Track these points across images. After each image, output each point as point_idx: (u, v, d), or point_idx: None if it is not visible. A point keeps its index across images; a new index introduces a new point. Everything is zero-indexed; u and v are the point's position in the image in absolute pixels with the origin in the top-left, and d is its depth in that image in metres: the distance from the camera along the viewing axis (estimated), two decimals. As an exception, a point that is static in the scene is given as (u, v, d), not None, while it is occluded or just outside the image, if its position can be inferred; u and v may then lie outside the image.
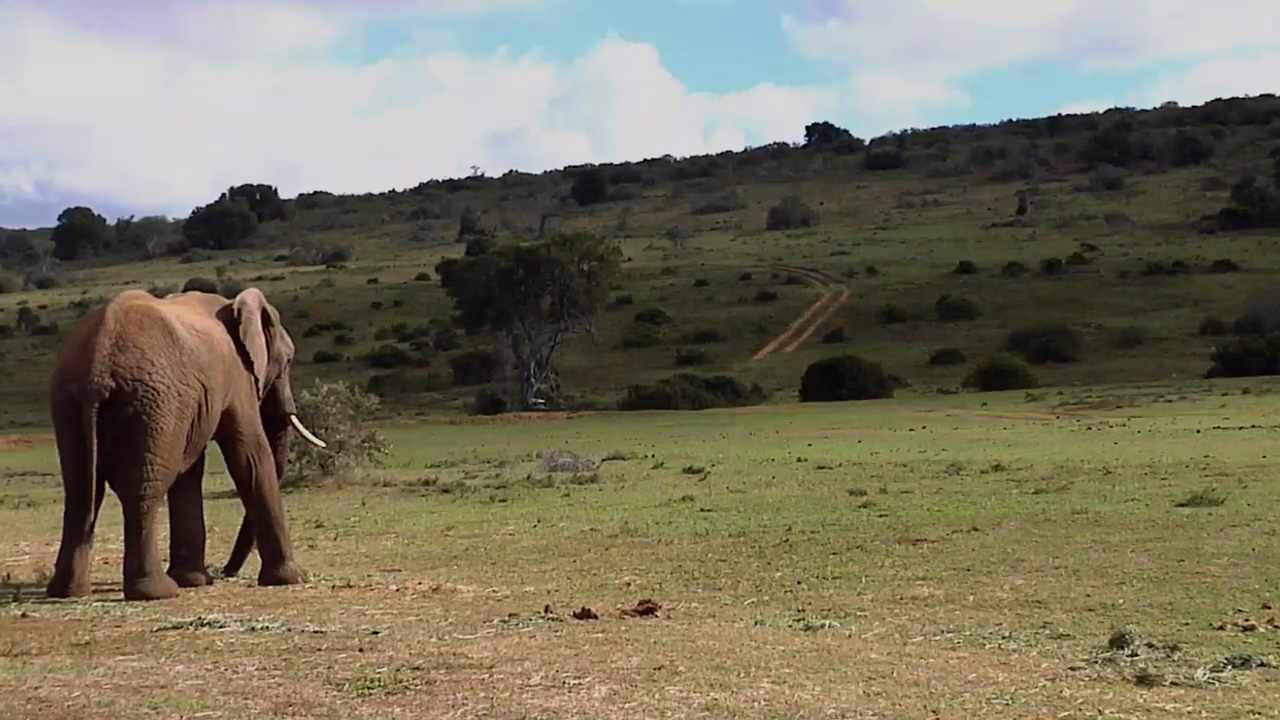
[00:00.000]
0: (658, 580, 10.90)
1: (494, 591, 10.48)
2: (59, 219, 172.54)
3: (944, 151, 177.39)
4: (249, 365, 11.40)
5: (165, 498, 11.55)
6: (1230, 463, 20.36)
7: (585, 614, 8.59)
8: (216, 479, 14.28)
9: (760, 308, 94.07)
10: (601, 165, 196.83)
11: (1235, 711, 6.00)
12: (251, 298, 11.76)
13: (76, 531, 10.20)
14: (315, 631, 8.21)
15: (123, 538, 10.42)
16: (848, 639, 7.94)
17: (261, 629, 8.33)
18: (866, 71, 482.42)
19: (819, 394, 61.91)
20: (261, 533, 11.37)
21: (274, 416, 11.95)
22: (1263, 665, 6.91)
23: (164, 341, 10.34)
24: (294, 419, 12.44)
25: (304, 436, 13.29)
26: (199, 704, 6.20)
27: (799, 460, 25.00)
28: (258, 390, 11.56)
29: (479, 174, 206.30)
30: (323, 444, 16.74)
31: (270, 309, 11.98)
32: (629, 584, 10.74)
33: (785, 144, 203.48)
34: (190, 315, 10.96)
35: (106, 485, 10.38)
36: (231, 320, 11.37)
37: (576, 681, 6.47)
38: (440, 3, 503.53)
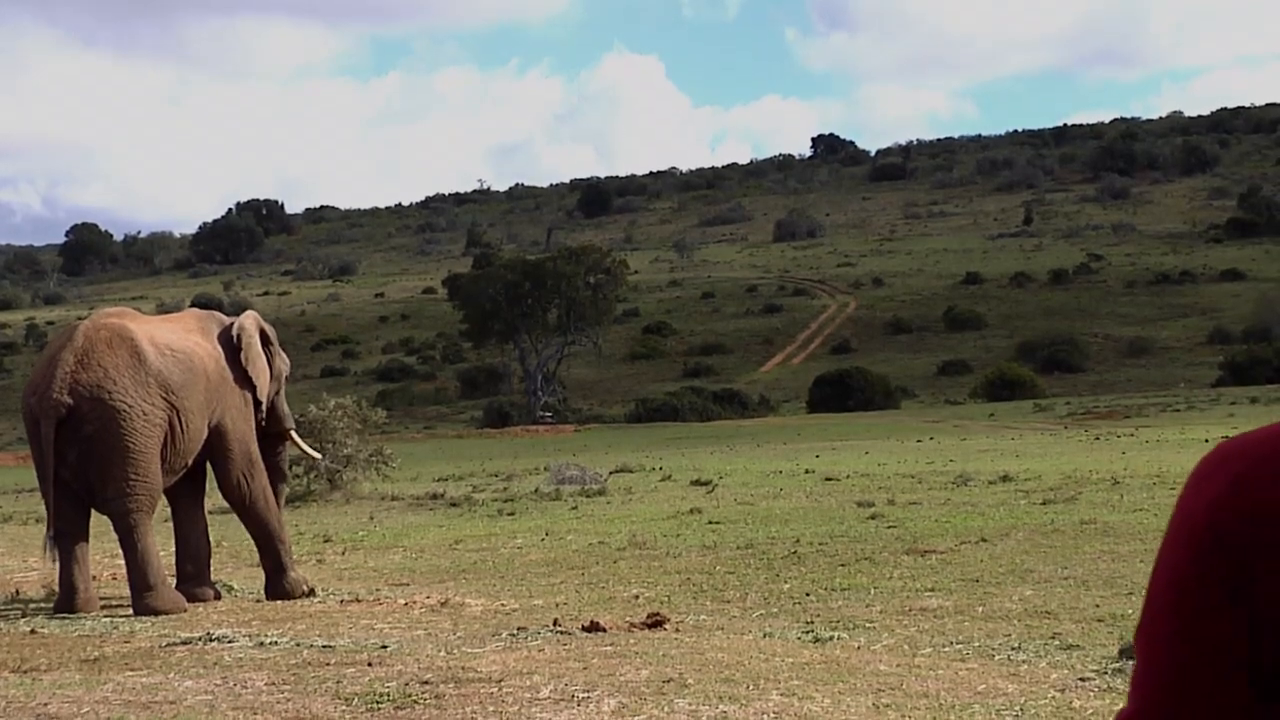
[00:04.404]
0: (666, 593, 10.89)
1: (502, 605, 10.49)
2: (66, 235, 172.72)
3: (950, 162, 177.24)
4: (252, 387, 11.45)
5: (169, 512, 11.62)
6: (1239, 472, 20.29)
7: (594, 627, 8.58)
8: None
9: (767, 319, 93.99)
10: (607, 178, 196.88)
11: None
12: (250, 321, 11.80)
13: (69, 548, 10.25)
14: (324, 646, 8.21)
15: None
16: (857, 651, 7.93)
17: (270, 644, 8.33)
18: (872, 83, 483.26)
19: (826, 405, 61.86)
20: (262, 547, 11.39)
21: (274, 432, 12.00)
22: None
23: (129, 361, 10.36)
24: (293, 433, 12.49)
25: (304, 451, 13.33)
26: (208, 719, 6.20)
27: (807, 472, 24.97)
28: (260, 409, 11.59)
29: (485, 187, 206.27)
30: (320, 456, 16.81)
31: (268, 328, 12.03)
32: (637, 597, 10.74)
33: (791, 156, 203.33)
34: (169, 335, 10.95)
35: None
36: (232, 345, 11.42)
37: (585, 695, 6.46)
38: (443, 17, 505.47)
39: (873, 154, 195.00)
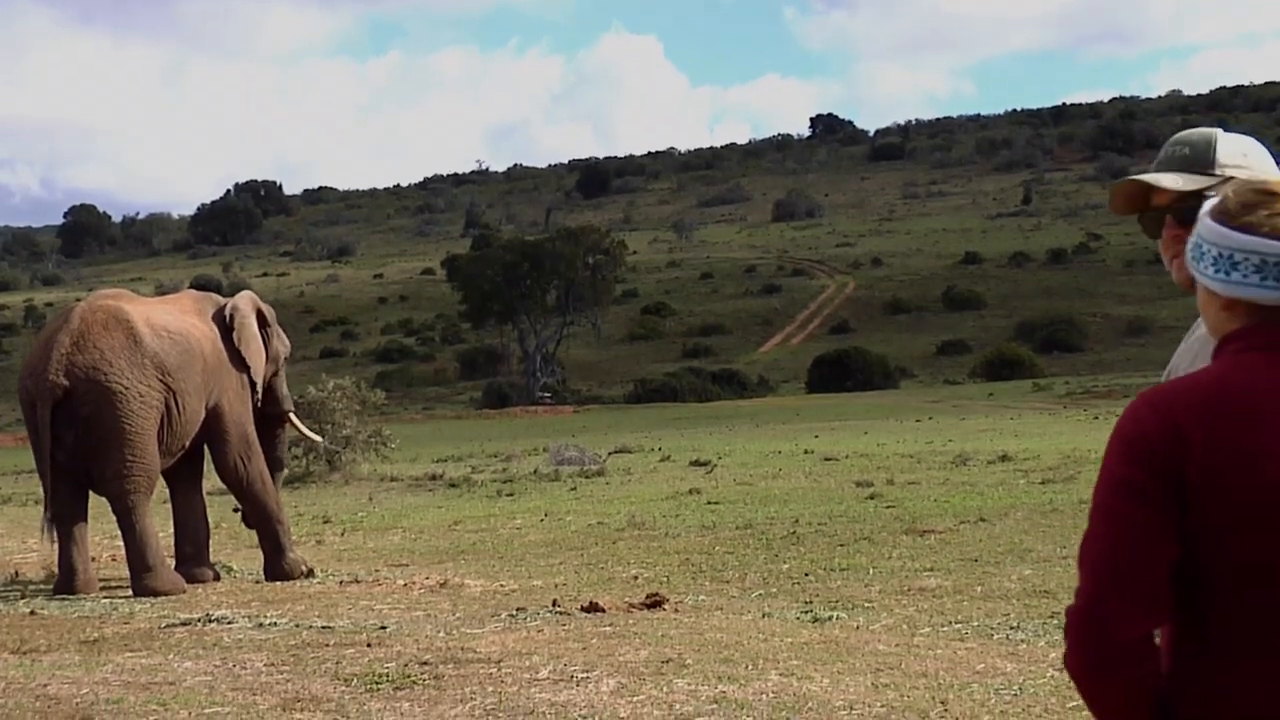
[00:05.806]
0: (665, 573, 10.90)
1: (501, 586, 10.49)
2: (64, 216, 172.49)
3: (948, 142, 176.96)
4: (246, 369, 11.41)
5: (168, 494, 11.60)
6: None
7: (593, 607, 8.58)
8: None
9: (766, 300, 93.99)
10: (606, 158, 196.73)
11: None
12: (244, 301, 11.72)
13: (68, 529, 10.26)
14: (323, 627, 8.21)
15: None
16: (855, 631, 7.93)
17: (269, 625, 8.33)
18: (870, 62, 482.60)
19: (825, 386, 61.89)
20: (261, 529, 11.39)
21: (273, 414, 11.98)
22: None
23: (125, 342, 10.33)
24: (292, 415, 12.46)
25: (302, 433, 13.31)
26: (207, 700, 6.20)
27: (806, 452, 24.98)
28: (256, 391, 11.56)
29: (483, 168, 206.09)
30: (320, 439, 16.80)
31: (266, 308, 11.97)
32: (636, 577, 10.74)
33: (790, 136, 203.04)
34: (164, 316, 10.91)
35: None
36: (225, 325, 11.37)
37: (585, 675, 6.46)
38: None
39: (871, 134, 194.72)
